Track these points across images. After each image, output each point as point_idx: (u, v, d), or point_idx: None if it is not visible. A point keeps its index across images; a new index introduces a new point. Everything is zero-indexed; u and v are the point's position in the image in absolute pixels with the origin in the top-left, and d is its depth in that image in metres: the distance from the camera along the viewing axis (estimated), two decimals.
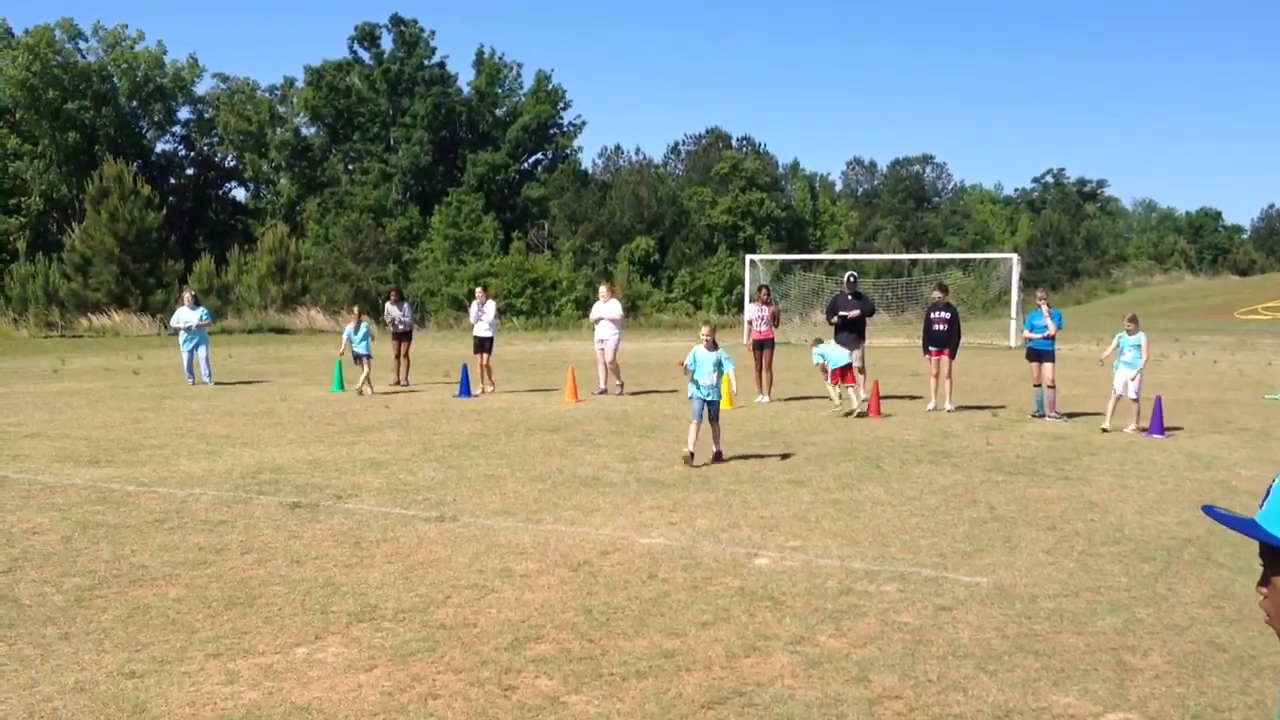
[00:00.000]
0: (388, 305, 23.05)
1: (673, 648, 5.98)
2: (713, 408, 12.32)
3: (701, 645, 6.03)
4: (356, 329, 21.01)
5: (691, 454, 12.00)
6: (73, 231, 56.49)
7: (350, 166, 74.85)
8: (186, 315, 23.56)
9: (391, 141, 73.06)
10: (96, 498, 10.10)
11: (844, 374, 17.32)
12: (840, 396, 17.59)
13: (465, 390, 20.20)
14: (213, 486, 10.66)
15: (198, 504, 9.82)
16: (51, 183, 71.01)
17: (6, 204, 71.28)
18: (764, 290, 20.20)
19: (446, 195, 68.04)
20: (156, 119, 77.75)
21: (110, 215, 51.04)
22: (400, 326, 22.72)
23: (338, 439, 14.18)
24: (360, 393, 20.27)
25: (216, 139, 79.35)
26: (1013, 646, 6.06)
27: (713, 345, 12.37)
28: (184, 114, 79.05)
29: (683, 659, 5.80)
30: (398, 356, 22.54)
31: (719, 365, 12.28)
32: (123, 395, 20.21)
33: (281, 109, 79.36)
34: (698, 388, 12.23)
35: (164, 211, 54.25)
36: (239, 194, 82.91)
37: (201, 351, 23.46)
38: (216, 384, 22.62)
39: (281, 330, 49.10)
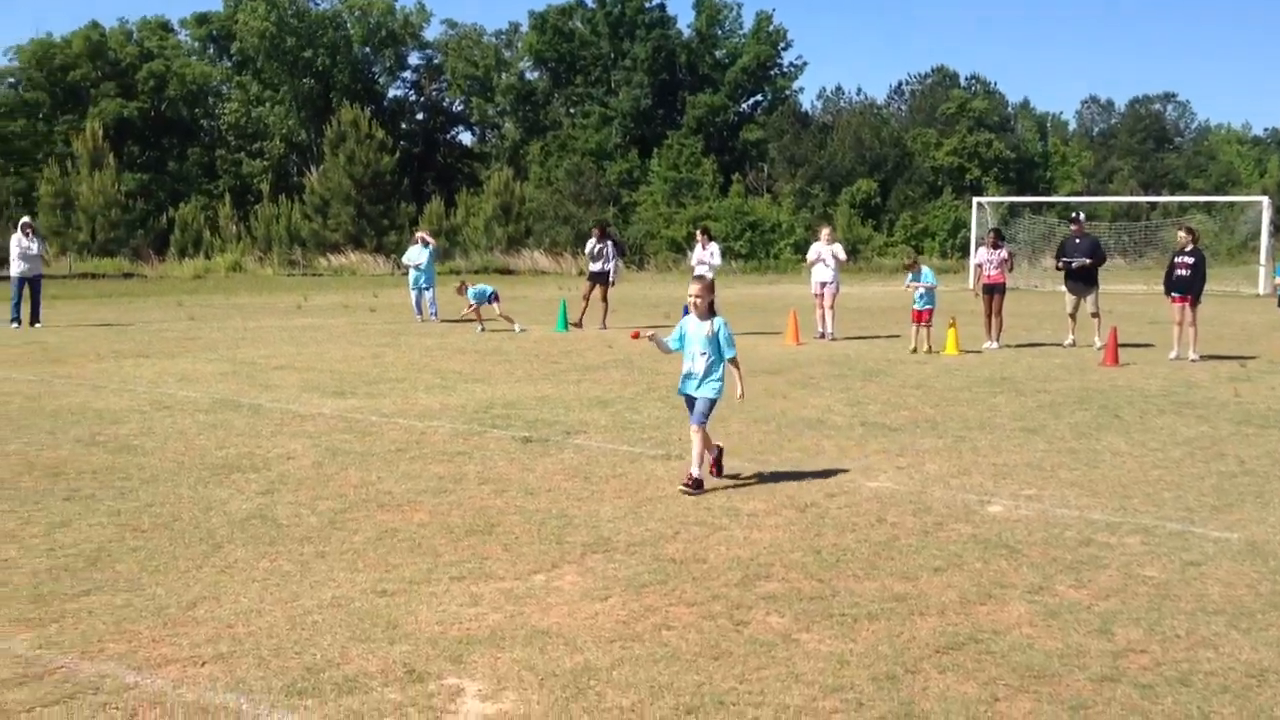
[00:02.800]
0: (590, 241, 22.86)
1: (904, 591, 5.92)
2: (700, 406, 8.26)
3: (934, 590, 5.95)
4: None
5: (696, 481, 8.14)
6: (311, 174, 59.10)
7: (572, 110, 75.84)
8: (416, 254, 24.44)
9: (612, 85, 73.67)
10: (343, 426, 10.61)
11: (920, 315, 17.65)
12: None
13: None
14: (449, 420, 11.06)
15: (436, 435, 10.21)
16: (291, 128, 74.38)
17: (251, 148, 75.06)
18: (994, 234, 19.61)
19: (666, 138, 68.29)
20: (388, 65, 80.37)
21: (347, 159, 53.18)
22: (594, 267, 22.48)
23: (564, 377, 14.50)
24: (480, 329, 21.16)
25: (444, 84, 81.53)
26: (1267, 604, 5.77)
27: (708, 312, 8.36)
28: (413, 60, 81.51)
29: (915, 603, 5.73)
30: (586, 298, 22.42)
31: (715, 345, 8.30)
32: (361, 331, 21.13)
33: (507, 54, 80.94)
34: (686, 379, 8.44)
35: (396, 155, 56.16)
36: (465, 138, 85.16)
37: (429, 293, 24.35)
38: (443, 321, 23.43)
39: (506, 271, 50.36)
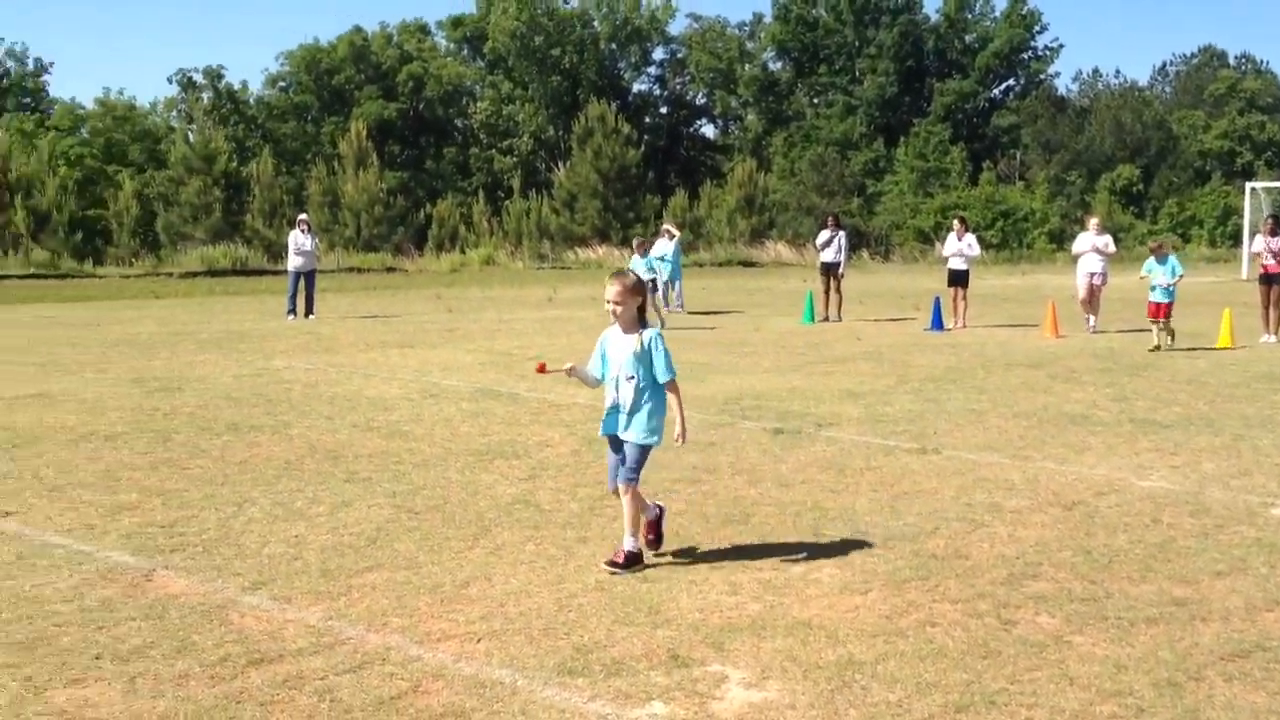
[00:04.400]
0: (823, 232, 22.68)
1: (1184, 595, 5.64)
2: (629, 454, 6.18)
3: (1217, 595, 5.65)
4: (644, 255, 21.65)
5: (630, 557, 6.09)
6: (559, 169, 60.57)
7: (815, 100, 75.26)
8: (662, 247, 24.75)
9: (857, 73, 72.72)
10: (596, 416, 10.80)
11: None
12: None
13: (937, 323, 19.92)
14: (699, 410, 11.16)
15: (687, 426, 10.30)
16: (540, 124, 76.42)
17: (501, 145, 77.52)
18: (1273, 220, 18.44)
19: (912, 126, 66.98)
20: (633, 60, 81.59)
21: (594, 153, 54.29)
22: (825, 257, 22.26)
23: (812, 369, 14.42)
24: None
25: (688, 77, 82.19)
26: None
27: (634, 322, 6.18)
28: (658, 54, 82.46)
29: (1196, 608, 5.46)
30: (826, 291, 22.20)
31: (647, 365, 6.17)
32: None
33: (750, 45, 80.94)
34: (610, 415, 6.30)
35: (641, 149, 56.98)
36: (708, 131, 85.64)
37: (677, 283, 24.65)
38: (689, 313, 23.65)
39: (749, 263, 50.42)
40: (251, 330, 19.83)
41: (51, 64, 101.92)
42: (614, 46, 79.76)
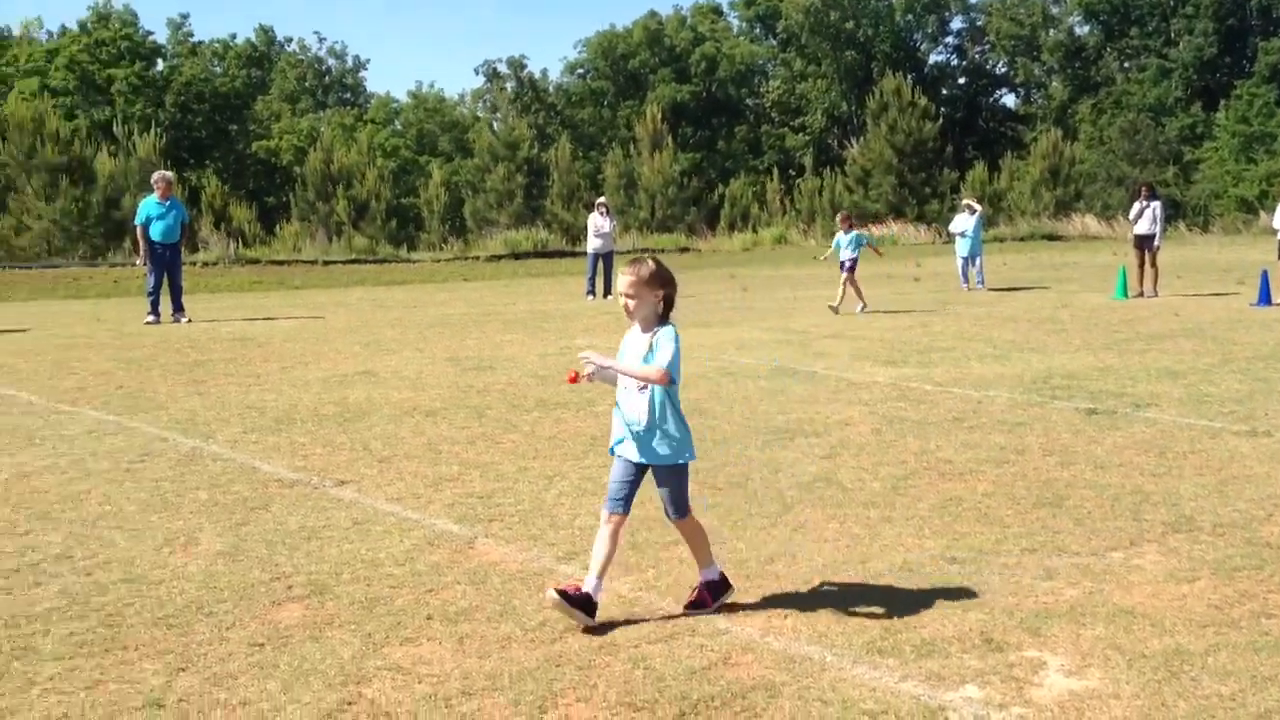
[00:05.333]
0: (1136, 203, 21.60)
1: None
2: (662, 483, 5.21)
3: None
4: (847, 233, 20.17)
5: (714, 584, 5.21)
6: (852, 145, 59.83)
7: (1126, 64, 71.44)
8: (963, 222, 24.09)
9: (1172, 34, 68.55)
10: (896, 394, 10.69)
11: None
12: None
13: (1265, 298, 18.59)
14: (1005, 389, 10.82)
15: (993, 405, 10.02)
16: (833, 100, 75.75)
17: (793, 123, 77.26)
18: None
19: (1234, 89, 62.59)
20: (930, 31, 79.64)
21: (889, 128, 53.37)
22: (1139, 229, 21.23)
23: (1126, 346, 13.74)
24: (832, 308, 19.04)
25: (988, 46, 79.57)
26: None
27: (653, 318, 5.04)
28: (956, 24, 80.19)
29: None
30: (1140, 265, 21.13)
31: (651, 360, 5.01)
32: (907, 300, 21.17)
33: (1055, 9, 77.59)
34: (624, 429, 5.19)
35: (939, 122, 55.59)
36: (1009, 100, 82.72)
37: (979, 260, 23.95)
38: (990, 290, 22.94)
39: (1053, 237, 48.44)
40: (554, 310, 20.54)
41: (368, 61, 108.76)
42: (910, 18, 78.10)
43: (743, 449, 8.46)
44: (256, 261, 37.01)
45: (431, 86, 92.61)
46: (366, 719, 4.16)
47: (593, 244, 23.88)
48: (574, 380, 5.24)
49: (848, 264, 19.54)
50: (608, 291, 23.36)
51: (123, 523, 6.69)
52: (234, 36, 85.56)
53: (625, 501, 5.14)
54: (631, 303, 4.99)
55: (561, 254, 41.05)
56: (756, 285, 26.02)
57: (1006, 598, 5.23)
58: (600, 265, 23.59)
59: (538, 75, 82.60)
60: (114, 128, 45.94)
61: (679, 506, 5.19)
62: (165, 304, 19.12)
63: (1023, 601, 5.17)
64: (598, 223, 23.80)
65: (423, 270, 35.68)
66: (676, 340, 4.97)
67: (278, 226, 46.41)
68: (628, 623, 5.00)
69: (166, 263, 19.09)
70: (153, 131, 44.38)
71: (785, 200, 56.18)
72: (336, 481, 7.64)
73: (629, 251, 39.67)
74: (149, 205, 19.01)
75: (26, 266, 35.19)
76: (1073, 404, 10.00)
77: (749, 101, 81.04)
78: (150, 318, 18.82)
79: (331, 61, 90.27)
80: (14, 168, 40.27)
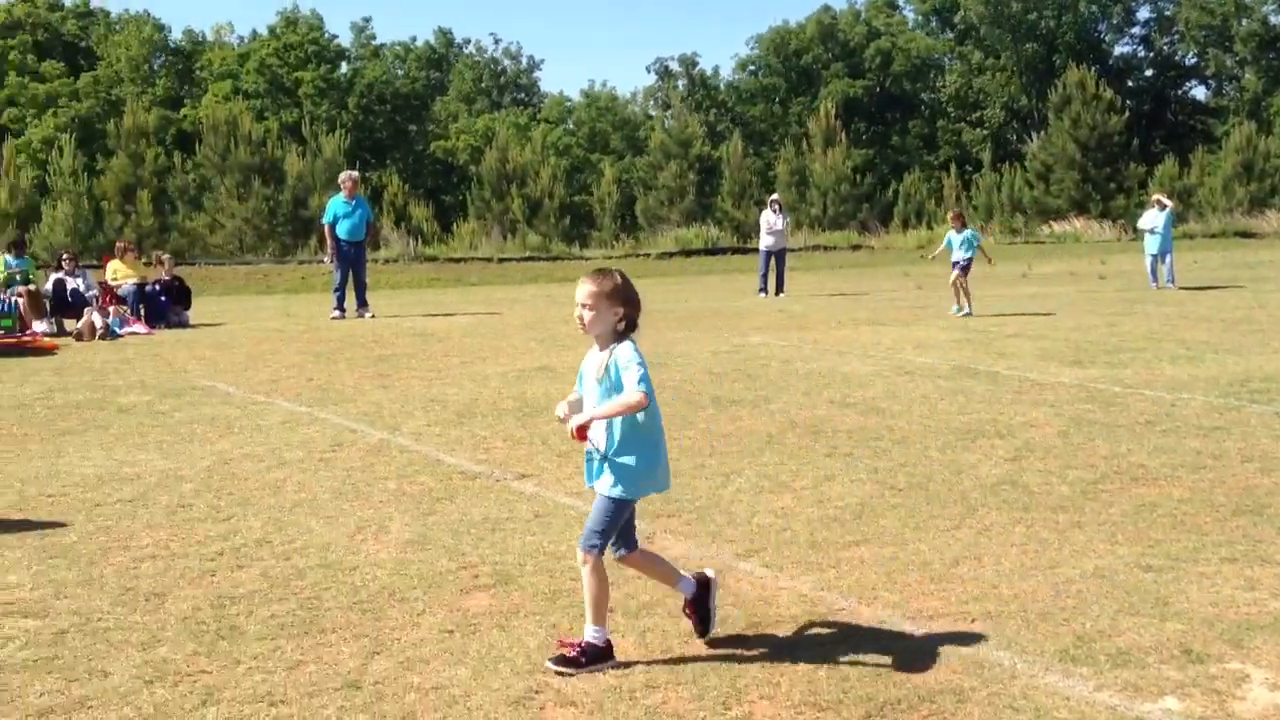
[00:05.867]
0: None
1: None
2: (594, 509, 4.71)
3: None
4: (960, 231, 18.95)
5: (593, 648, 4.58)
6: (1032, 140, 58.23)
7: None
8: (1152, 219, 23.24)
9: None
10: (1084, 396, 10.36)
11: None
12: None
13: None
14: (1200, 392, 10.40)
15: (1187, 409, 9.64)
16: (1012, 94, 73.90)
17: (970, 117, 75.64)
18: None
19: None
20: (1115, 21, 77.03)
21: (1072, 122, 51.75)
22: None
23: None
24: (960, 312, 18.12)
25: (1176, 36, 76.57)
26: None
27: (611, 334, 4.67)
28: (1143, 14, 77.39)
29: None
30: None
31: (613, 387, 4.60)
32: (1091, 299, 20.52)
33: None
34: (588, 462, 4.76)
35: (1125, 115, 53.70)
36: (1198, 92, 79.46)
37: (1168, 258, 23.09)
38: (1180, 289, 22.08)
39: (1247, 234, 46.33)
40: (725, 307, 20.54)
41: (542, 61, 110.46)
42: (1094, 8, 75.66)
43: (923, 449, 8.33)
44: (435, 259, 37.95)
45: (603, 85, 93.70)
46: (553, 707, 4.23)
47: (765, 241, 23.80)
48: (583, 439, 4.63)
49: (961, 264, 18.73)
50: (780, 289, 23.24)
51: (317, 510, 6.94)
52: (414, 39, 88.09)
53: (623, 539, 4.74)
54: (588, 314, 4.61)
55: (732, 251, 41.01)
56: (932, 283, 25.53)
57: (1206, 608, 5.03)
58: (773, 263, 23.50)
59: (709, 72, 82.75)
60: (302, 129, 47.65)
61: (594, 539, 4.59)
62: (350, 300, 19.76)
63: (1224, 612, 4.97)
64: (770, 220, 23.71)
65: (590, 267, 36.03)
66: (638, 355, 4.56)
67: (454, 225, 47.50)
68: (810, 623, 4.98)
69: (352, 260, 19.72)
70: (338, 132, 45.90)
71: (962, 196, 55.01)
72: (517, 475, 7.79)
73: (800, 250, 39.43)
74: (336, 204, 19.67)
75: (220, 263, 36.79)
76: (1273, 408, 9.55)
77: (924, 96, 79.67)
78: (336, 313, 19.47)
79: (507, 62, 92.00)
80: (209, 168, 42.12)
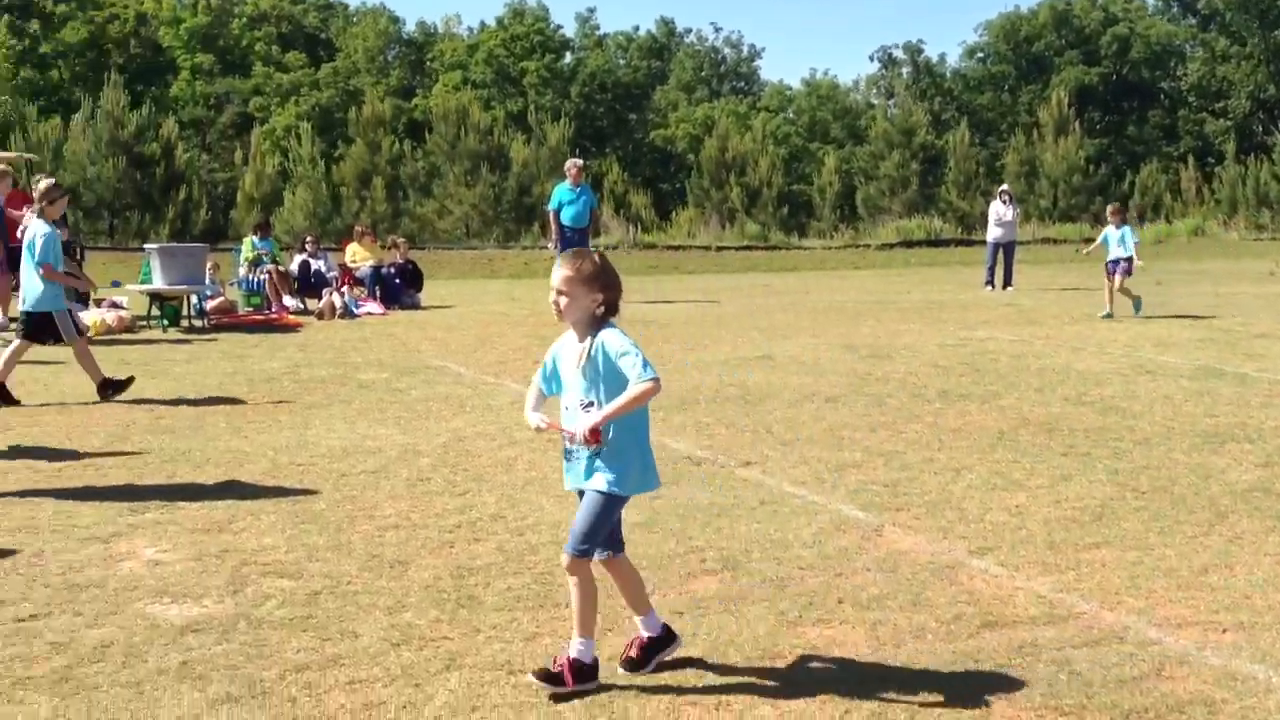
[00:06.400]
0: None
1: None
2: (582, 507, 4.42)
3: None
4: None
5: (578, 665, 4.25)
6: (1279, 132, 54.96)
7: None
8: None
9: None
10: None
11: None
12: None
13: None
14: None
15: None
16: (1259, 82, 69.85)
17: (1213, 107, 71.87)
18: None
19: None
20: None
21: None
22: None
23: None
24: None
25: None
26: None
27: (589, 322, 4.36)
28: None
29: None
30: None
31: (598, 383, 4.33)
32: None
33: None
34: (567, 458, 4.50)
35: None
36: None
37: None
38: None
39: None
40: (950, 300, 20.10)
41: (763, 49, 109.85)
42: None
43: (1167, 451, 7.97)
44: (653, 247, 38.35)
45: (825, 74, 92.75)
46: (784, 696, 4.23)
47: (993, 233, 23.16)
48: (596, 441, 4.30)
49: (1122, 264, 17.11)
50: (1008, 283, 22.60)
51: (547, 489, 7.10)
52: (636, 29, 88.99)
53: (607, 541, 4.43)
54: (563, 300, 4.30)
55: (956, 243, 40.09)
56: (1173, 280, 24.38)
57: None
58: (1000, 255, 22.86)
59: (934, 60, 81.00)
60: (527, 117, 48.78)
61: (582, 543, 4.30)
62: None
63: None
64: (999, 211, 23.06)
65: (813, 257, 35.81)
66: (629, 339, 4.30)
67: (672, 213, 47.88)
68: (1049, 624, 4.83)
69: (574, 246, 20.08)
70: (561, 121, 46.81)
71: (1203, 189, 52.36)
72: (741, 462, 7.80)
73: (1028, 243, 38.24)
74: (561, 191, 20.07)
75: (448, 247, 38.04)
76: None
77: (1163, 84, 76.09)
78: None
79: (727, 51, 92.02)
80: (439, 155, 43.56)
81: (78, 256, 17.89)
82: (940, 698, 4.16)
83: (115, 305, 16.52)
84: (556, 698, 4.17)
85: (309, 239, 20.63)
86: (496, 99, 70.09)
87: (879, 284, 24.64)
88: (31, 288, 10.13)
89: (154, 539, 6.11)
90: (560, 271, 4.31)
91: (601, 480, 4.30)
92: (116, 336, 15.20)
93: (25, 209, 13.17)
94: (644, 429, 4.43)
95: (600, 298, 4.30)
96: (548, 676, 4.24)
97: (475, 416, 9.45)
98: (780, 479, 7.34)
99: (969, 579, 5.41)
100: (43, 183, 10.68)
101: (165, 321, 16.16)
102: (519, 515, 6.54)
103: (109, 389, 10.20)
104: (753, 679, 4.34)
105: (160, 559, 5.79)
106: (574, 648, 4.30)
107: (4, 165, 13.61)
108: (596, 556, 4.42)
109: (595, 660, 4.31)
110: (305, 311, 18.76)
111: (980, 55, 78.76)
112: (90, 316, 14.97)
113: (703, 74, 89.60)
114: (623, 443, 4.31)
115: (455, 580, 5.47)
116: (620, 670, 4.39)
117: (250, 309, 18.32)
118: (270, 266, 19.07)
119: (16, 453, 8.17)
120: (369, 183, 40.84)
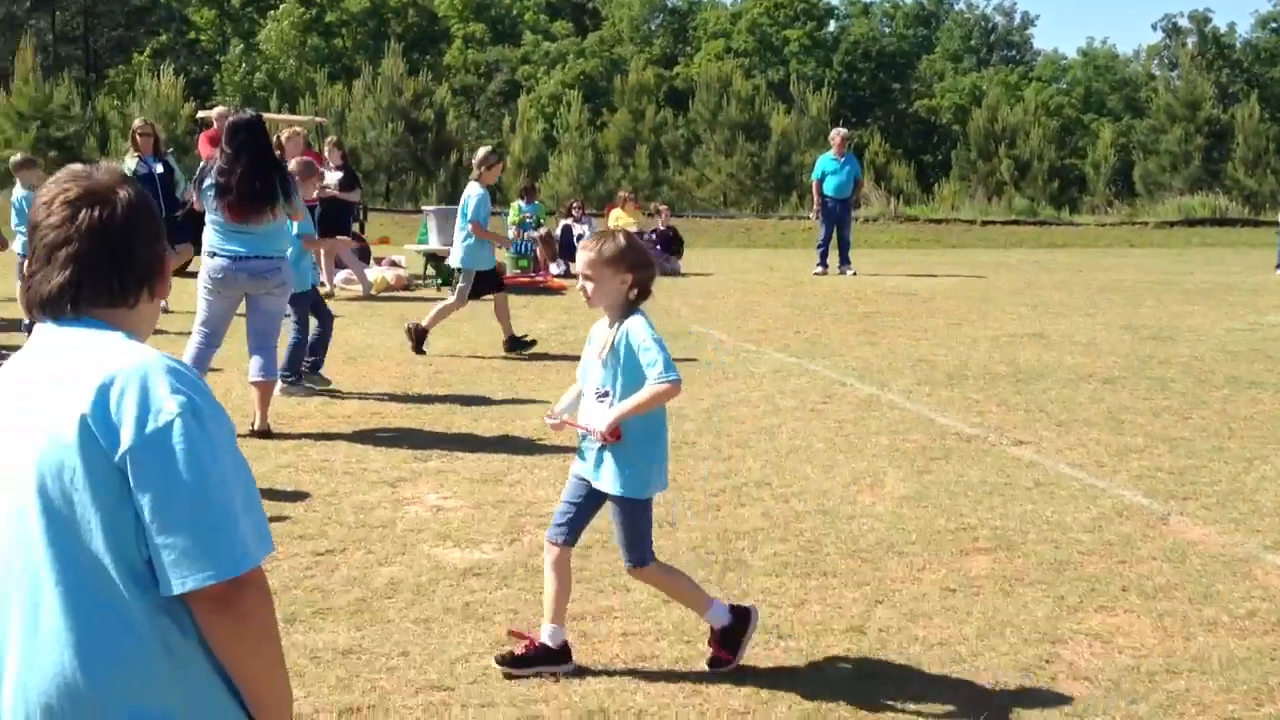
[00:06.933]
0: None
1: None
2: (615, 519, 4.19)
3: None
4: None
5: (536, 655, 4.12)
6: None
7: None
8: None
9: None
10: None
11: None
12: None
13: None
14: None
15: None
16: None
17: None
18: None
19: None
20: None
21: None
22: None
23: None
24: None
25: None
26: None
27: (622, 306, 4.10)
28: None
29: None
30: None
31: (617, 373, 4.06)
32: None
33: None
34: (582, 450, 4.21)
35: None
36: None
37: None
38: None
39: None
40: (1238, 283, 18.90)
41: (1037, 18, 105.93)
42: None
43: None
44: (915, 219, 37.51)
45: (1103, 43, 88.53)
46: (1065, 679, 4.10)
47: None
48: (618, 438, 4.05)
49: None
50: None
51: (812, 458, 7.07)
52: None
53: (568, 528, 4.21)
54: (589, 285, 4.08)
55: (1243, 223, 37.70)
56: None
57: None
58: None
59: (1223, 30, 76.18)
60: (788, 87, 48.45)
61: (635, 552, 4.15)
62: (832, 257, 19.93)
63: None
64: None
65: (1085, 234, 34.32)
66: (653, 332, 4.03)
67: (935, 185, 46.73)
68: None
69: (837, 217, 19.85)
70: (824, 89, 46.29)
71: None
72: (1014, 441, 7.57)
73: None
74: (825, 161, 19.85)
75: (706, 215, 38.25)
76: None
77: None
78: (819, 268, 19.71)
79: (999, 19, 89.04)
80: (700, 124, 43.79)
81: (361, 217, 18.91)
82: (1232, 692, 3.94)
83: (394, 264, 17.34)
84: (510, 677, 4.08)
85: (575, 204, 21.10)
86: (758, 68, 69.92)
87: (1158, 263, 23.40)
88: (462, 244, 10.80)
89: (436, 486, 6.40)
90: (583, 255, 4.10)
91: (612, 482, 4.07)
92: (395, 294, 15.95)
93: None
94: (661, 429, 4.18)
95: (630, 279, 4.05)
96: (511, 660, 4.11)
97: (737, 383, 9.48)
98: (1056, 460, 7.08)
99: (1264, 574, 5.11)
100: (480, 150, 11.54)
101: (440, 280, 16.84)
102: (784, 482, 6.53)
103: (516, 345, 10.85)
104: (1031, 661, 4.22)
105: (442, 505, 6.06)
106: (546, 632, 4.16)
107: (298, 129, 14.40)
108: (546, 538, 4.27)
109: (565, 645, 4.15)
110: (568, 275, 19.21)
111: (1274, 25, 73.65)
112: (373, 274, 15.77)
113: (971, 43, 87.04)
114: (637, 441, 4.05)
115: (722, 543, 5.52)
116: (709, 668, 4.19)
117: (517, 271, 18.89)
118: (537, 231, 19.61)
119: (316, 395, 8.68)
120: (631, 150, 41.45)
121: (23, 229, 10.60)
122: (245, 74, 59.82)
